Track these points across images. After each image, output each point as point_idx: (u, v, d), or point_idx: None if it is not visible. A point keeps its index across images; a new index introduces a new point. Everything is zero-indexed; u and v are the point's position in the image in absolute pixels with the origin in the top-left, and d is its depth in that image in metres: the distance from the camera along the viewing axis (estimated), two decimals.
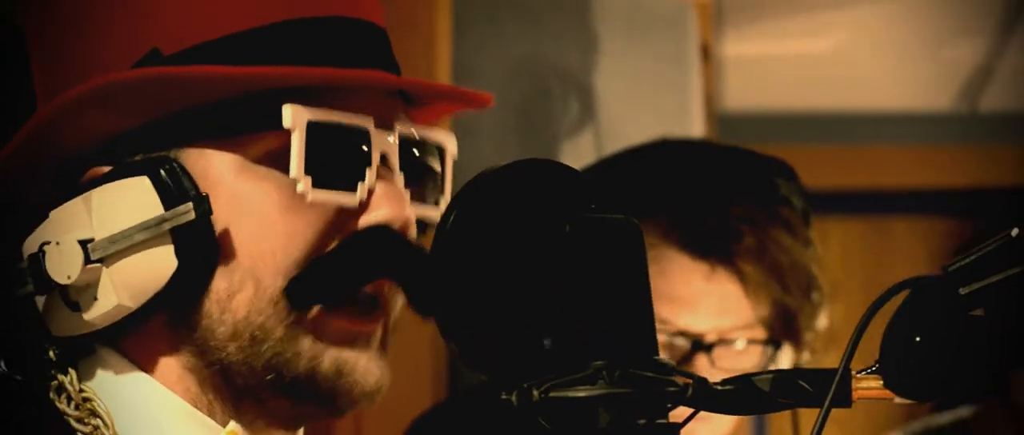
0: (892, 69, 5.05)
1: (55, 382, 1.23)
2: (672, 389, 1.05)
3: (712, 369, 2.06)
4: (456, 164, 1.30)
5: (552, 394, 1.03)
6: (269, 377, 1.21)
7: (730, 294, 2.09)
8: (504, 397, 1.05)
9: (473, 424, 2.13)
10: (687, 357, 2.07)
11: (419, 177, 1.27)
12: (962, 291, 1.07)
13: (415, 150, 1.26)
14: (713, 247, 2.07)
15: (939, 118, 5.46)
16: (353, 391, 1.23)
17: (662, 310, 2.05)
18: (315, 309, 1.21)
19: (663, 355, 2.00)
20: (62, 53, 1.25)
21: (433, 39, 2.52)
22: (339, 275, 1.21)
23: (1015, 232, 1.07)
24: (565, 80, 2.78)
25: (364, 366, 1.23)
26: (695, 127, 2.89)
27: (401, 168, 1.24)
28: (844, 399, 1.07)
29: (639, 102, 2.78)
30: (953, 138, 5.43)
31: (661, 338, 2.03)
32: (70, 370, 1.24)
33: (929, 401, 1.10)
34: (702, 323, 2.08)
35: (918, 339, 1.07)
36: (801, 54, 4.92)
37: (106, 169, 1.22)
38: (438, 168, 1.29)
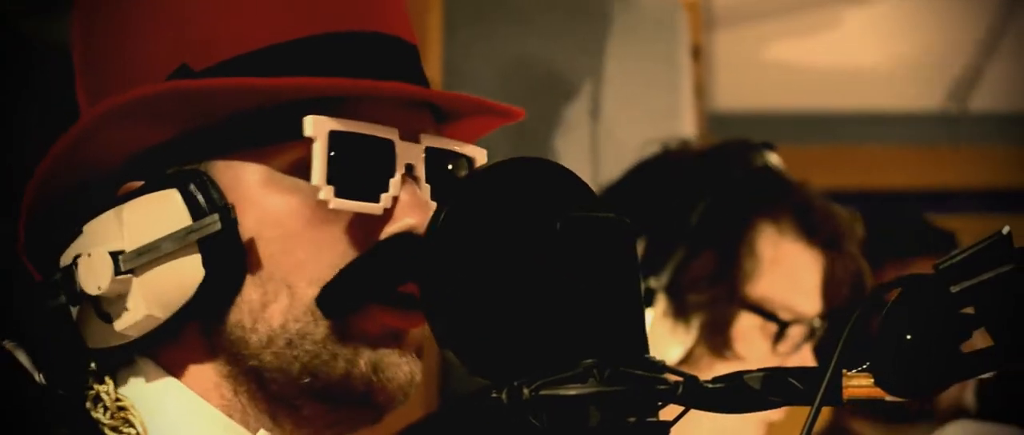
0: (882, 69, 5.05)
1: (92, 392, 1.25)
2: (662, 387, 1.05)
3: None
4: None
5: (542, 392, 1.03)
6: (306, 381, 1.22)
7: (826, 280, 2.19)
8: (495, 395, 1.05)
9: (464, 432, 2.13)
10: (797, 344, 2.16)
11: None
12: (953, 289, 1.07)
13: (444, 162, 1.27)
14: (829, 238, 2.18)
15: (929, 118, 5.46)
16: (388, 387, 1.23)
17: (790, 298, 2.14)
18: (357, 312, 1.22)
19: (780, 346, 2.10)
20: (99, 68, 1.28)
21: (424, 41, 2.51)
22: (366, 281, 1.22)
23: (1006, 230, 1.07)
24: (556, 81, 2.78)
25: (396, 361, 1.24)
26: (685, 127, 2.89)
27: (429, 179, 1.25)
28: (835, 397, 1.07)
29: (630, 102, 2.78)
30: (943, 138, 5.43)
31: (773, 327, 2.13)
32: (107, 379, 1.26)
33: (919, 399, 1.10)
34: (815, 308, 2.17)
35: (909, 337, 1.07)
36: (791, 54, 4.92)
37: (140, 184, 1.24)
38: None
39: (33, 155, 1.26)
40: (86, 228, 1.25)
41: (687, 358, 2.11)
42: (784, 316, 2.14)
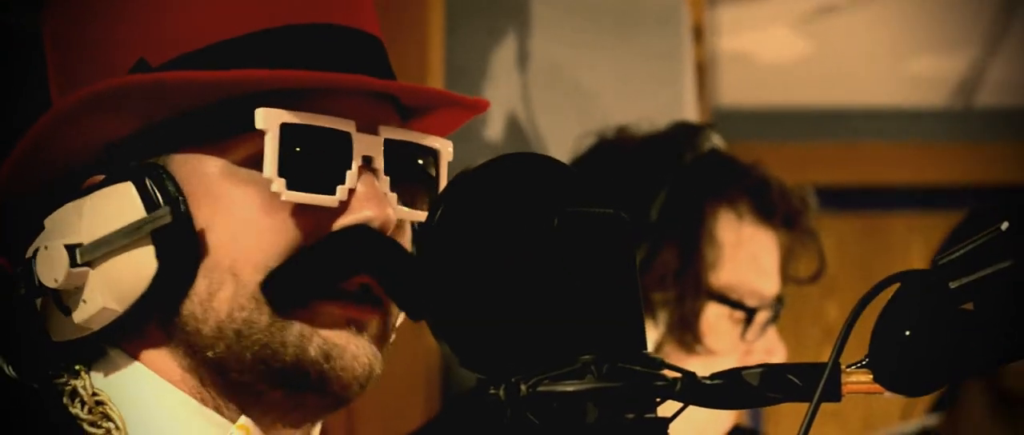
0: (887, 65, 5.04)
1: (69, 387, 1.25)
2: (660, 383, 1.05)
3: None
4: (450, 163, 1.30)
5: (540, 389, 1.02)
6: (260, 368, 1.22)
7: (784, 259, 2.19)
8: (492, 392, 1.04)
9: None
10: (763, 328, 2.15)
11: (411, 181, 1.27)
12: (952, 285, 1.06)
13: (407, 155, 1.27)
14: (786, 217, 2.16)
15: (934, 115, 5.46)
16: (343, 376, 1.23)
17: (753, 283, 2.13)
18: (302, 302, 1.22)
19: (748, 332, 2.09)
20: (67, 65, 1.29)
21: (425, 38, 2.51)
22: (315, 271, 1.22)
23: (1005, 226, 1.06)
24: (557, 77, 2.77)
25: (353, 352, 1.23)
26: None
27: (388, 171, 1.25)
28: (834, 393, 1.07)
29: (632, 98, 2.78)
30: (948, 135, 5.43)
31: (740, 315, 2.11)
32: (83, 375, 1.26)
33: (918, 396, 1.10)
34: (775, 288, 2.17)
35: (908, 333, 1.06)
36: (795, 50, 4.91)
37: (102, 178, 1.25)
38: (433, 173, 1.29)
39: None
40: (47, 222, 1.26)
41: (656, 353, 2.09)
42: (751, 302, 2.12)
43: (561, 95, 2.77)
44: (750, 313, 2.12)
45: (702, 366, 2.08)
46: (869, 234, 5.50)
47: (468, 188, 1.06)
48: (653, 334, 2.08)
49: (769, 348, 2.14)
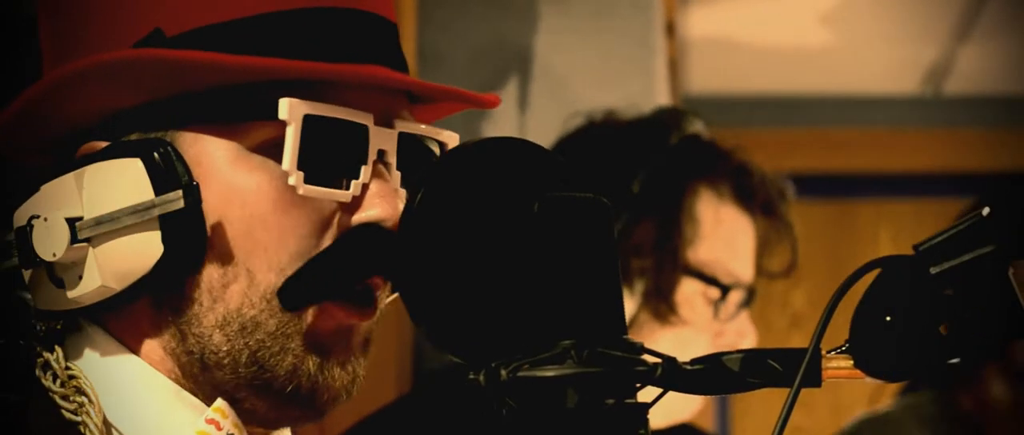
0: (857, 52, 5.06)
1: (41, 359, 1.22)
2: (641, 368, 1.04)
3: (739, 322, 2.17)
4: None
5: (520, 374, 1.02)
6: (252, 370, 1.20)
7: (759, 246, 2.22)
8: (472, 377, 1.04)
9: (435, 416, 2.12)
10: (736, 310, 2.18)
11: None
12: (933, 270, 1.06)
13: (417, 148, 1.25)
14: (765, 203, 2.20)
15: (904, 102, 5.48)
16: (332, 386, 1.21)
17: (729, 263, 2.15)
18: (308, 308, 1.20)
19: (721, 311, 2.10)
20: (69, 27, 1.24)
21: (399, 20, 2.50)
22: (330, 275, 1.19)
23: (986, 211, 1.06)
24: (530, 62, 2.77)
25: (340, 359, 1.22)
26: None
27: (400, 165, 1.23)
28: (814, 379, 1.07)
29: (604, 84, 2.78)
30: (918, 122, 5.45)
31: (714, 293, 2.14)
32: (57, 347, 1.23)
33: (899, 381, 1.10)
34: (750, 275, 2.20)
35: (888, 319, 1.06)
36: (766, 37, 4.92)
37: (103, 145, 1.21)
38: None
39: None
40: (44, 188, 1.22)
41: (630, 325, 2.11)
42: (725, 280, 2.15)
43: (535, 81, 2.76)
44: (724, 290, 2.15)
45: (675, 339, 2.10)
46: (837, 221, 5.51)
47: (448, 172, 1.06)
48: (629, 304, 2.09)
49: (741, 331, 2.17)
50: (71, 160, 1.22)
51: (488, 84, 2.74)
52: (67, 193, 1.20)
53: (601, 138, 2.20)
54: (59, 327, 1.24)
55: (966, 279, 1.06)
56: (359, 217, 1.20)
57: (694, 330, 2.14)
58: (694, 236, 2.13)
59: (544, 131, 2.55)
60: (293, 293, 1.19)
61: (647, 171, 2.14)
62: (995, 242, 1.06)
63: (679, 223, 2.13)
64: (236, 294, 1.19)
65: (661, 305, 2.11)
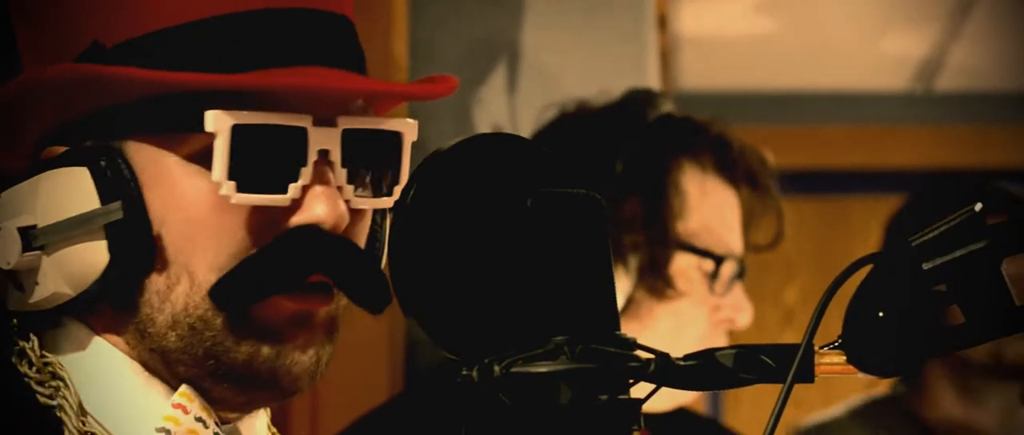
0: (848, 49, 5.06)
1: (17, 346, 1.25)
2: (634, 364, 1.04)
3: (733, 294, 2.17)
4: (415, 144, 1.28)
5: (513, 370, 1.02)
6: (210, 363, 1.21)
7: (746, 219, 2.21)
8: (465, 373, 1.04)
9: (428, 416, 2.12)
10: (730, 283, 2.17)
11: (371, 167, 1.24)
12: (925, 266, 1.06)
13: (368, 141, 1.23)
14: (747, 175, 2.20)
15: (894, 98, 5.48)
16: (293, 371, 1.22)
17: (720, 234, 2.16)
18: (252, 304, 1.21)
19: (716, 284, 2.10)
20: (31, 39, 1.27)
21: (390, 18, 2.50)
22: (263, 276, 1.20)
23: (978, 207, 1.06)
24: (522, 57, 2.77)
25: (300, 344, 1.22)
26: None
27: (347, 161, 1.21)
28: (807, 375, 1.07)
29: (598, 80, 2.77)
30: (908, 118, 5.45)
31: (708, 266, 2.14)
32: (32, 336, 1.25)
33: (891, 377, 1.10)
34: (740, 246, 2.20)
35: (881, 314, 1.06)
36: (755, 33, 4.92)
37: (61, 150, 1.23)
38: (396, 155, 1.25)
39: None
40: (3, 196, 1.25)
41: (628, 305, 2.11)
42: (718, 251, 2.15)
43: (527, 76, 2.76)
44: (717, 261, 2.14)
45: (673, 315, 2.11)
46: (828, 217, 5.51)
47: (441, 167, 1.06)
48: (624, 283, 2.09)
49: (737, 304, 2.17)
50: (35, 162, 1.24)
51: (480, 79, 2.73)
52: (23, 202, 1.23)
53: (577, 126, 2.21)
54: (35, 318, 1.26)
55: (959, 275, 1.06)
56: (298, 218, 1.20)
57: (691, 304, 2.14)
58: (682, 209, 2.13)
59: (536, 126, 2.54)
60: (225, 292, 1.20)
61: (629, 149, 2.14)
62: (988, 238, 1.06)
63: (666, 197, 2.13)
64: (181, 296, 1.21)
65: (657, 280, 2.11)
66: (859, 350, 1.07)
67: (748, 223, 2.21)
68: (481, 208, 1.05)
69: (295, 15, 1.22)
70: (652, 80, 2.90)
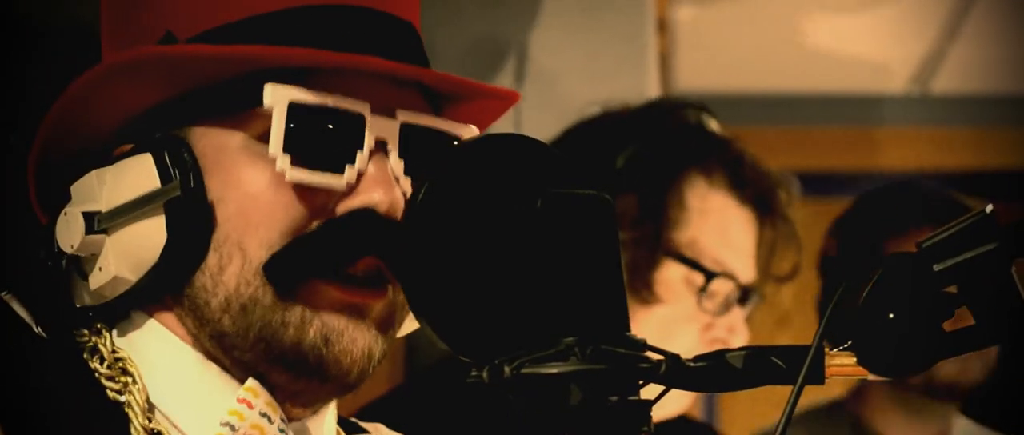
0: (845, 51, 5.06)
1: (90, 343, 1.28)
2: (644, 365, 1.04)
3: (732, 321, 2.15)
4: None
5: (524, 371, 1.02)
6: (260, 347, 1.23)
7: (763, 247, 2.18)
8: (475, 374, 1.04)
9: (430, 406, 2.12)
10: (726, 303, 2.14)
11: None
12: (936, 268, 1.06)
13: (428, 140, 1.26)
14: (760, 196, 2.17)
15: (892, 100, 5.48)
16: (342, 360, 1.23)
17: (716, 251, 2.12)
18: (303, 283, 1.22)
19: (707, 301, 2.08)
20: (114, 28, 1.31)
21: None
22: (316, 254, 1.22)
23: (989, 209, 1.06)
24: (523, 58, 2.77)
25: (351, 335, 1.23)
26: None
27: (406, 155, 1.24)
28: (817, 376, 1.07)
29: (596, 80, 2.78)
30: (907, 120, 5.45)
31: (698, 279, 2.12)
32: (105, 333, 1.28)
33: (902, 377, 1.10)
34: (748, 273, 2.16)
35: (892, 316, 1.06)
36: (752, 36, 4.92)
37: (130, 146, 1.27)
38: None
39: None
40: (72, 189, 1.28)
41: None
42: (709, 266, 2.12)
43: (528, 77, 2.76)
44: (708, 276, 2.12)
45: (657, 322, 2.09)
46: (826, 219, 5.51)
47: (452, 167, 1.06)
48: None
49: (731, 327, 2.15)
50: (102, 161, 1.27)
51: (480, 80, 2.73)
52: (90, 190, 1.26)
53: (597, 127, 2.20)
54: (107, 314, 1.29)
55: (970, 276, 1.06)
56: (353, 201, 1.23)
57: (675, 314, 2.11)
58: (680, 219, 2.12)
59: (538, 127, 2.55)
60: (277, 267, 1.22)
61: (635, 148, 2.13)
62: (998, 240, 1.06)
63: (664, 202, 2.11)
64: (233, 276, 1.23)
65: (637, 282, 2.09)
66: (869, 351, 1.07)
67: (768, 251, 2.18)
68: (491, 209, 1.05)
69: (364, 13, 1.26)
70: (651, 80, 2.90)
